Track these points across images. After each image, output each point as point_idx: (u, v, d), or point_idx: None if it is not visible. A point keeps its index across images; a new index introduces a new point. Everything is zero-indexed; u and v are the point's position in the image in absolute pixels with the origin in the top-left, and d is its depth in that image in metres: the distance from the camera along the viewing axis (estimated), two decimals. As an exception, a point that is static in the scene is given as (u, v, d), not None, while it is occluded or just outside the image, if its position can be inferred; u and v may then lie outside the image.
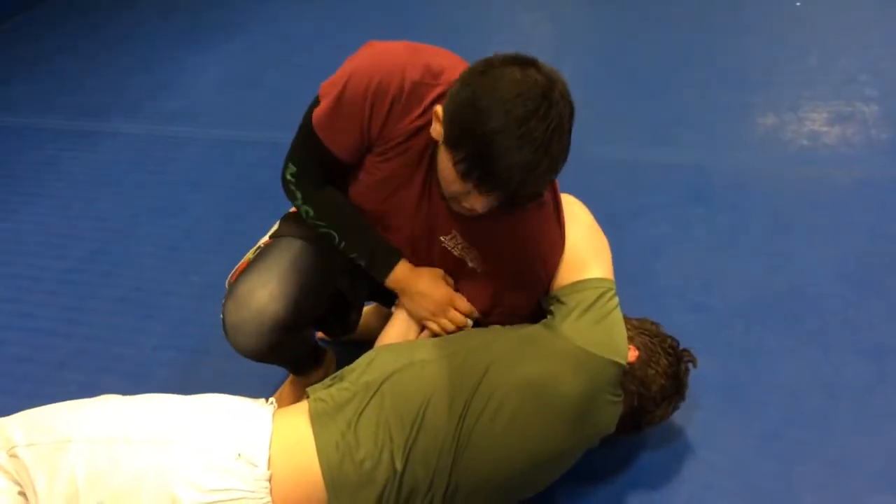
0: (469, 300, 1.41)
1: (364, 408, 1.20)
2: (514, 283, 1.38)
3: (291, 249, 1.38)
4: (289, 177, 1.36)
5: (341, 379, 1.27)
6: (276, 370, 1.54)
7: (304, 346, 1.52)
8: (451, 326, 1.39)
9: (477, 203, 1.13)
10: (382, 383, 1.22)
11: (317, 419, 1.19)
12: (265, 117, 2.95)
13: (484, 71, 1.09)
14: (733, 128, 2.61)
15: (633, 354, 1.31)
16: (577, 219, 1.40)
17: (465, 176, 1.08)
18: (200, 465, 1.08)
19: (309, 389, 1.27)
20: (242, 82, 3.29)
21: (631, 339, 1.33)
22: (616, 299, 1.33)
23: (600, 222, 1.45)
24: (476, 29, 3.56)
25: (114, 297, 2.08)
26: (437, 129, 1.15)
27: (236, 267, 1.40)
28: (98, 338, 1.94)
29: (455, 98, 1.09)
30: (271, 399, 1.25)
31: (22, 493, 1.08)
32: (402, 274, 1.39)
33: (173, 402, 1.19)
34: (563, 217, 1.37)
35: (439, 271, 1.42)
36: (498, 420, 1.20)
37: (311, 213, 1.36)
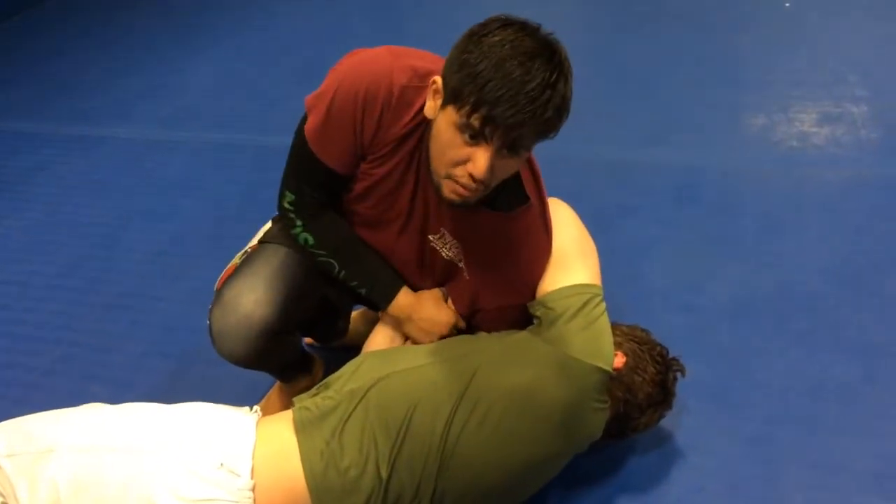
0: (454, 302, 1.41)
1: (349, 416, 1.19)
2: (500, 285, 1.38)
3: (279, 254, 1.37)
4: (286, 205, 1.33)
5: (327, 387, 1.26)
6: (264, 377, 1.53)
7: (292, 352, 1.52)
8: None
9: (480, 160, 1.08)
10: (368, 391, 1.22)
11: (301, 427, 1.18)
12: (257, 121, 2.95)
13: (484, 26, 1.08)
14: (723, 128, 2.62)
15: (620, 360, 1.30)
16: (565, 223, 1.40)
17: (470, 115, 1.04)
18: (183, 474, 1.07)
19: (295, 399, 1.27)
20: (234, 86, 3.29)
21: (619, 345, 1.33)
22: (603, 305, 1.32)
23: (588, 223, 1.44)
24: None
25: (102, 303, 2.07)
26: (430, 106, 1.14)
27: (224, 272, 1.39)
28: (86, 344, 1.94)
29: (455, 52, 1.08)
30: (255, 407, 1.25)
31: (4, 503, 1.08)
32: (404, 302, 1.39)
33: (156, 410, 1.19)
34: (550, 222, 1.36)
35: (438, 293, 1.42)
36: (484, 426, 1.20)
37: (311, 241, 1.34)
